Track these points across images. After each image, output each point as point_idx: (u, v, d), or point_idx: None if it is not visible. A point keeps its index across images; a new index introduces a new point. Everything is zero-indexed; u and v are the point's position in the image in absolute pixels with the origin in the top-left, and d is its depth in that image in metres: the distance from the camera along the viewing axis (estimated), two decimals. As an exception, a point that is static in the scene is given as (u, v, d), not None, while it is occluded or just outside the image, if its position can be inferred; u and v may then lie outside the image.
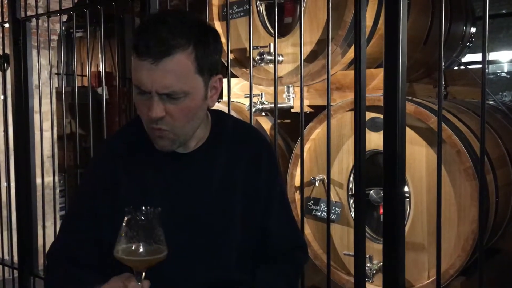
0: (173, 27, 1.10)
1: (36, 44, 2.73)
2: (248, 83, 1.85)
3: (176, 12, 1.21)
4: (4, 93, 2.74)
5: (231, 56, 2.23)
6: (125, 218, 1.02)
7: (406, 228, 1.99)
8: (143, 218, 1.02)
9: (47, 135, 2.98)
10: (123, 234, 1.02)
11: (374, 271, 2.08)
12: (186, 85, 1.11)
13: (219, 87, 1.22)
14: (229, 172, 1.26)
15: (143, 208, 1.02)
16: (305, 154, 2.23)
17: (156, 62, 1.07)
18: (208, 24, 1.24)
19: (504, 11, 7.20)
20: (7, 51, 2.67)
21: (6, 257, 2.90)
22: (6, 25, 2.66)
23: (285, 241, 1.33)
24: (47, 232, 2.74)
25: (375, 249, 2.12)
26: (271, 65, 2.44)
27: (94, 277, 1.14)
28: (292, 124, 2.71)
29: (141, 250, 1.02)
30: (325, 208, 2.24)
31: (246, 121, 2.40)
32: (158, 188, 1.22)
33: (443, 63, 1.42)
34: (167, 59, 1.08)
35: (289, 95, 2.47)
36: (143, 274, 1.03)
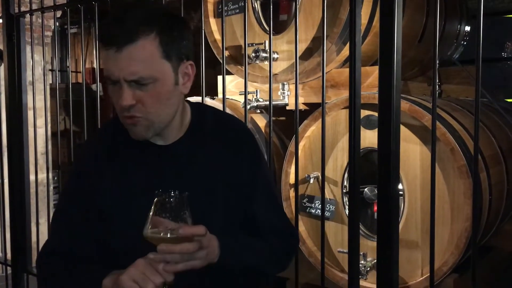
0: (135, 15, 1.13)
1: (30, 40, 2.71)
2: (243, 80, 1.85)
3: (140, 2, 1.24)
4: (-2, 89, 2.72)
5: (226, 53, 2.23)
6: (155, 200, 1.06)
7: (400, 225, 2.00)
8: (171, 200, 1.06)
9: (40, 131, 2.96)
10: (151, 215, 1.06)
11: (368, 268, 2.09)
12: (153, 71, 1.13)
13: (192, 73, 1.23)
14: (209, 163, 1.27)
15: (172, 191, 1.07)
16: (299, 151, 2.23)
17: (120, 49, 1.10)
18: (173, 13, 1.26)
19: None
20: (0, 47, 2.65)
21: (-1, 254, 2.89)
22: (0, 20, 2.64)
23: (272, 228, 1.32)
24: (41, 229, 2.73)
25: (369, 246, 2.12)
26: (266, 62, 2.44)
27: (98, 267, 1.16)
28: (287, 122, 2.71)
29: (168, 235, 1.05)
30: (320, 206, 2.24)
31: (241, 118, 2.40)
32: (140, 182, 1.23)
33: (437, 61, 1.42)
34: (130, 45, 1.10)
35: (284, 93, 2.47)
36: None
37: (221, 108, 1.88)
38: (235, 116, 1.43)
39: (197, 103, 1.38)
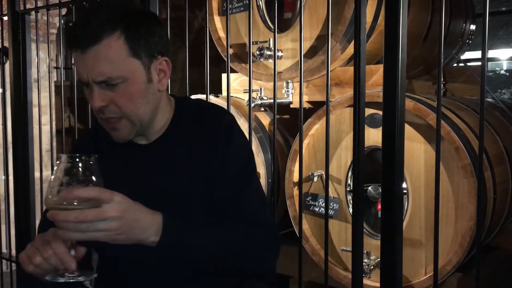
0: (98, 15, 1.11)
1: (35, 37, 2.72)
2: (247, 78, 1.85)
3: (104, 1, 1.22)
4: (3, 86, 2.73)
5: (230, 51, 2.23)
6: (60, 164, 0.94)
7: (404, 224, 2.00)
8: (80, 166, 0.95)
9: (45, 129, 2.97)
10: (55, 182, 0.93)
11: (372, 267, 2.09)
12: (121, 70, 1.10)
13: (167, 70, 1.20)
14: (190, 158, 1.22)
15: (78, 155, 0.96)
16: (303, 150, 2.23)
17: (85, 51, 1.09)
18: (141, 8, 1.24)
19: (503, 9, 7.20)
20: (6, 44, 2.66)
21: (4, 250, 2.90)
22: (5, 18, 2.65)
23: (244, 216, 1.20)
24: (45, 225, 2.74)
25: (372, 245, 2.12)
26: (271, 61, 2.44)
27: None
28: (291, 120, 2.71)
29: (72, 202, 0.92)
30: (323, 204, 2.24)
31: (246, 116, 2.40)
32: (123, 183, 1.17)
33: (442, 60, 1.42)
34: (95, 46, 1.08)
35: (288, 91, 2.47)
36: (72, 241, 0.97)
37: (225, 106, 1.88)
38: (218, 105, 1.35)
39: (182, 98, 1.35)
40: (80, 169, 0.96)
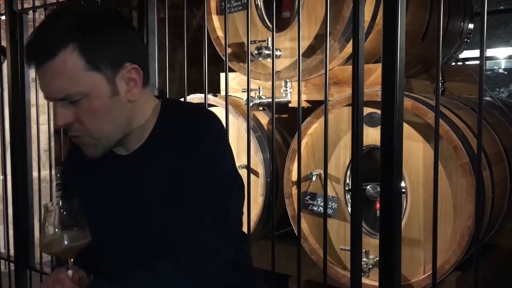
0: (49, 29, 1.04)
1: (32, 37, 2.71)
2: (246, 77, 1.85)
3: (60, 10, 1.14)
4: (1, 86, 2.72)
5: (228, 50, 2.22)
6: (44, 212, 1.07)
7: (403, 223, 2.00)
8: (61, 210, 1.07)
9: (43, 128, 2.96)
10: (44, 228, 1.07)
11: (370, 266, 2.09)
12: (80, 85, 1.03)
13: (137, 77, 1.09)
14: (168, 168, 1.10)
15: (60, 200, 1.07)
16: (302, 149, 2.23)
17: (39, 67, 1.03)
18: (104, 14, 1.11)
19: (502, 8, 7.20)
20: (3, 43, 2.65)
21: (2, 250, 2.89)
22: (3, 17, 2.64)
23: (172, 241, 1.07)
24: (44, 225, 2.73)
25: (371, 244, 2.12)
26: (269, 60, 2.44)
27: None
28: (290, 119, 2.71)
29: (63, 240, 1.06)
30: (322, 203, 2.24)
31: (244, 115, 2.40)
32: (105, 195, 1.17)
33: (441, 59, 1.42)
34: (49, 62, 1.01)
35: (286, 90, 2.47)
36: (70, 262, 1.09)
37: (224, 106, 1.88)
38: (208, 111, 1.19)
39: (170, 102, 1.22)
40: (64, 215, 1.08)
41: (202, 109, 1.20)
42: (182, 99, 2.14)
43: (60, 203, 1.07)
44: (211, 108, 2.53)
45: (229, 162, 1.15)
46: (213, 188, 1.08)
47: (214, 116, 1.16)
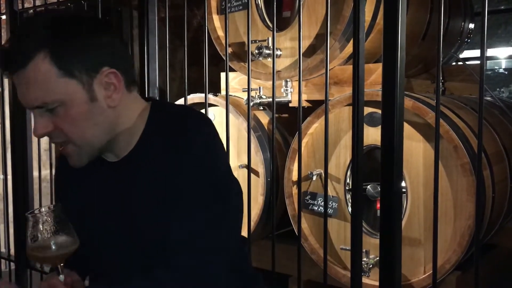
0: (21, 37, 1.02)
1: (33, 36, 2.72)
2: (246, 77, 1.85)
3: (33, 17, 1.13)
4: (1, 85, 2.73)
5: (229, 50, 2.22)
6: (29, 221, 1.05)
7: (403, 223, 2.00)
8: (45, 217, 1.05)
9: (44, 128, 2.96)
10: (30, 236, 1.05)
11: (371, 266, 2.09)
12: (55, 93, 1.00)
13: (116, 81, 1.06)
14: (160, 172, 1.07)
15: (42, 208, 1.06)
16: (302, 148, 2.23)
17: (13, 75, 1.02)
18: (79, 17, 1.09)
19: (502, 7, 7.20)
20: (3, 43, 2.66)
21: (2, 249, 2.89)
22: (3, 17, 2.65)
23: (168, 243, 1.05)
24: (44, 225, 2.74)
25: (371, 243, 2.12)
26: (269, 59, 2.44)
27: None
28: (290, 119, 2.71)
29: (51, 246, 1.05)
30: (322, 203, 2.24)
31: (245, 115, 2.40)
32: (98, 201, 1.16)
33: (441, 59, 1.42)
34: (22, 70, 1.00)
35: (287, 90, 2.47)
36: (60, 267, 1.08)
37: (224, 106, 1.88)
38: (200, 114, 1.16)
39: (161, 105, 1.20)
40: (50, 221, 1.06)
41: (193, 111, 1.17)
42: (182, 99, 2.14)
43: (43, 209, 1.05)
44: (211, 108, 2.55)
45: (223, 163, 1.12)
46: (208, 190, 1.06)
47: (205, 118, 1.14)
